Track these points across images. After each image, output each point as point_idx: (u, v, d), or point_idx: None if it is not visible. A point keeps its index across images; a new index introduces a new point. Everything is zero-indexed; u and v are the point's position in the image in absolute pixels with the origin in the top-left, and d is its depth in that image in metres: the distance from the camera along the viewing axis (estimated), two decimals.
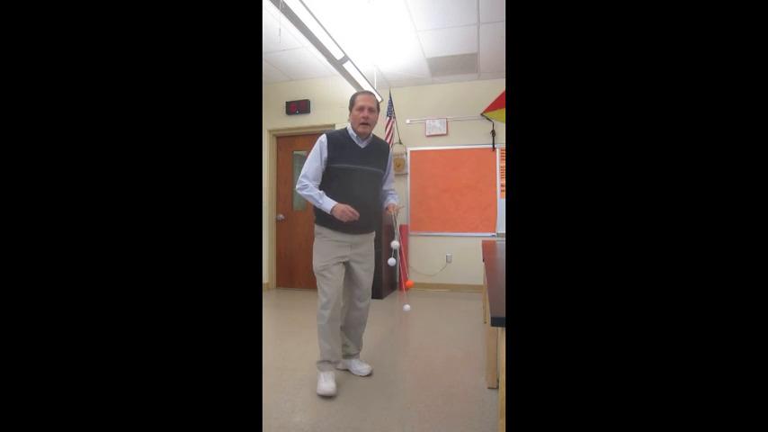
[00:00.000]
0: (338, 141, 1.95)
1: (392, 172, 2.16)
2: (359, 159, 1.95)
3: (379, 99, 3.98)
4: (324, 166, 1.93)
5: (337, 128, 2.16)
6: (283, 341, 2.73)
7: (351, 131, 1.98)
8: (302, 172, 1.93)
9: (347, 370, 2.17)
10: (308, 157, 1.95)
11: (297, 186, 1.94)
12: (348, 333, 2.13)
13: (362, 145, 1.98)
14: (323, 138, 1.95)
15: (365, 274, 2.05)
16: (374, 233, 2.12)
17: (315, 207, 1.97)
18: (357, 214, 1.82)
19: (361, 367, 2.13)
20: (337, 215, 1.83)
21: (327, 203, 1.86)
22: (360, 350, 2.19)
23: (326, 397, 1.86)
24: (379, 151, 2.05)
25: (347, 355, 2.16)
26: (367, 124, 1.94)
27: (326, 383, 1.90)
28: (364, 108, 1.92)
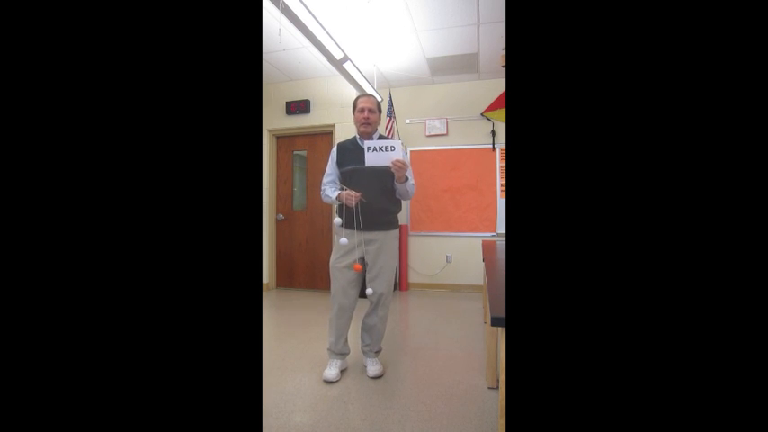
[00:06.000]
0: (345, 147, 2.16)
1: (408, 168, 2.23)
2: (360, 159, 2.05)
3: (379, 99, 3.99)
4: (338, 172, 2.13)
5: (337, 128, 2.28)
6: (283, 341, 2.73)
7: (357, 135, 2.16)
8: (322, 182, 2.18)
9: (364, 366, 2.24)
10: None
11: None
12: (365, 331, 2.20)
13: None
14: (334, 147, 2.20)
15: (376, 273, 2.08)
16: (392, 232, 2.14)
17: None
18: (359, 195, 1.93)
19: (371, 367, 2.16)
20: (343, 199, 1.96)
21: (335, 193, 2.05)
22: (376, 349, 2.21)
23: (329, 382, 2.05)
24: None
25: (364, 352, 2.23)
26: (368, 124, 2.09)
27: (328, 370, 2.11)
28: (364, 110, 2.09)
